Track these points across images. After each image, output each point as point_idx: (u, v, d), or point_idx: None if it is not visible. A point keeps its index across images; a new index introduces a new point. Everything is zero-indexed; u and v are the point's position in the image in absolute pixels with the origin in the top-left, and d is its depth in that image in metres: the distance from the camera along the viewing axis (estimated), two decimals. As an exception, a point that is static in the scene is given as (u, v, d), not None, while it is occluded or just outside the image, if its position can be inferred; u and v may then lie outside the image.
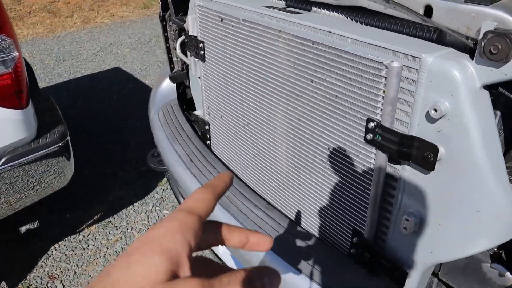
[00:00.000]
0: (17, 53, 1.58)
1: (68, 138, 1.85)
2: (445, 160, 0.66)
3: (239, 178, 1.19)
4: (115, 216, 2.38)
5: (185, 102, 1.64)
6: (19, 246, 2.15)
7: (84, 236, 2.22)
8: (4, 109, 1.55)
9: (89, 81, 4.14)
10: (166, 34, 1.55)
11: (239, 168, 1.21)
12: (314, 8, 0.94)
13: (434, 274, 0.87)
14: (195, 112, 1.43)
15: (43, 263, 2.05)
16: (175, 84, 1.68)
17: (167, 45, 1.56)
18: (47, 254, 2.10)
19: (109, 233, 2.25)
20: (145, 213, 2.40)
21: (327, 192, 0.90)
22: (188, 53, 1.36)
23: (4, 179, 1.67)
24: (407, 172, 0.73)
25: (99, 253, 2.11)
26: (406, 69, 0.66)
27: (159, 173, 2.74)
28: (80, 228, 2.27)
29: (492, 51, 0.57)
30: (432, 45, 0.68)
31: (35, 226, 2.30)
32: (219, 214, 1.03)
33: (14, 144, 1.65)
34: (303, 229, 0.98)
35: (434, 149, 0.65)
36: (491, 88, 0.64)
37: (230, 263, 1.12)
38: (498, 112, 0.70)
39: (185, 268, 0.27)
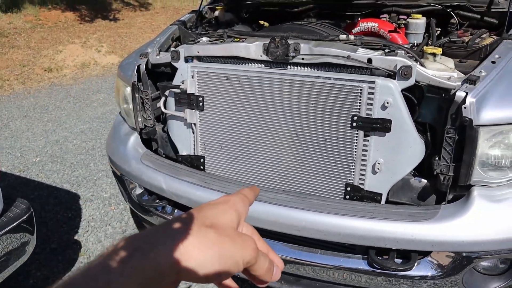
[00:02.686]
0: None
1: (32, 210, 1.92)
2: (393, 126, 1.42)
3: (246, 183, 1.71)
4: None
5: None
6: None
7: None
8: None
9: None
10: (135, 99, 1.94)
11: (245, 175, 1.73)
12: (288, 67, 1.62)
13: (387, 200, 1.60)
14: (182, 153, 1.87)
15: None
16: (140, 140, 2.04)
17: (137, 110, 1.95)
18: None
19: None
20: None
21: (326, 165, 1.55)
22: (174, 108, 1.82)
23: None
24: (373, 138, 1.46)
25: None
26: (370, 88, 1.41)
27: (76, 244, 2.78)
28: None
29: (405, 74, 1.38)
30: (372, 76, 1.45)
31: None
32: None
33: (-8, 219, 1.68)
34: (314, 194, 1.59)
35: (389, 121, 1.41)
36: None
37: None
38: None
39: (242, 222, 0.47)
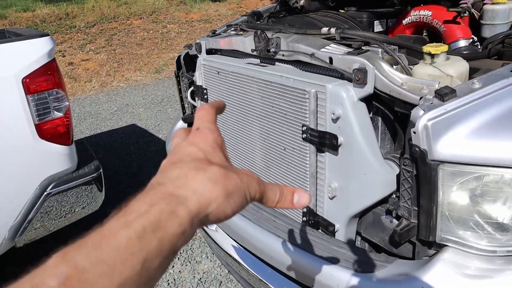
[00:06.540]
0: (68, 103, 2.11)
1: (101, 171, 2.32)
2: (343, 144, 1.13)
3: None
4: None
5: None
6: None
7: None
8: (57, 145, 2.05)
9: (108, 136, 4.71)
10: (179, 87, 2.08)
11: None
12: (277, 63, 1.45)
13: (358, 233, 1.28)
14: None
15: None
16: (187, 125, 2.19)
17: (180, 95, 2.10)
18: None
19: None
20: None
21: (286, 178, 1.35)
22: (197, 99, 1.88)
23: (50, 203, 2.12)
24: (327, 156, 1.19)
25: None
26: (319, 93, 1.15)
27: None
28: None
29: (357, 79, 1.06)
30: (336, 80, 1.17)
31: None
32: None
33: (62, 173, 2.13)
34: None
35: (336, 137, 1.12)
36: (370, 100, 1.12)
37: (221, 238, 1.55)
38: (379, 118, 1.18)
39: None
